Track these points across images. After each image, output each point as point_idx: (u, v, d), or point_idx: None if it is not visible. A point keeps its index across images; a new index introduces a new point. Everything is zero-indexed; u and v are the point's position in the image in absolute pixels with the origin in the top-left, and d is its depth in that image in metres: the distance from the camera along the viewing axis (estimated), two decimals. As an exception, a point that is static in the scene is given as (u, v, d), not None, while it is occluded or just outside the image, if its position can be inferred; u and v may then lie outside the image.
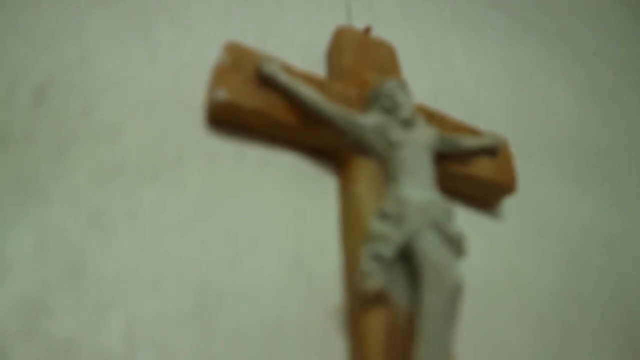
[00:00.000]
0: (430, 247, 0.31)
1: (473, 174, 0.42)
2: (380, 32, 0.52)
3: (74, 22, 0.38)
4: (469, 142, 0.41)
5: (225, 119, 0.37)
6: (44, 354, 0.25)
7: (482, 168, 0.42)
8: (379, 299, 0.31)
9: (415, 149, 0.36)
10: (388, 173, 0.36)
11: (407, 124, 0.38)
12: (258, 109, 0.36)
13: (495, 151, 0.43)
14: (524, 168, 0.51)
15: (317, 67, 0.47)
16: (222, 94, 0.35)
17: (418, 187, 0.35)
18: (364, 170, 0.37)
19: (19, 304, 0.26)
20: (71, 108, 0.34)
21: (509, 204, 0.47)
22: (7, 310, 0.26)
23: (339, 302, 0.33)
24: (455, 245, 0.32)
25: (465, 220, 0.43)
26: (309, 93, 0.36)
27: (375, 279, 0.30)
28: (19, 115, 0.32)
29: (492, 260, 0.43)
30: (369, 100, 0.39)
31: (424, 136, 0.38)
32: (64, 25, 0.37)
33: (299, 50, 0.48)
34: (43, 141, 0.31)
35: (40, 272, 0.27)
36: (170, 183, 0.33)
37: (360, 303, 0.31)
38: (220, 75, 0.36)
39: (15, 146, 0.30)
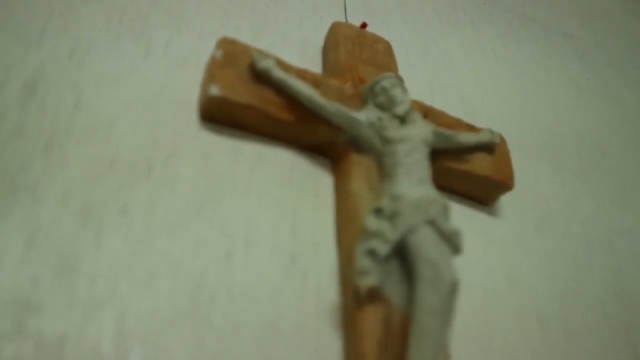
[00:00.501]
0: (426, 244, 0.31)
1: (470, 171, 0.41)
2: (376, 28, 0.51)
3: (65, 17, 0.38)
4: (465, 138, 0.41)
5: (219, 115, 0.36)
6: (34, 352, 0.25)
7: (479, 165, 0.42)
8: (374, 296, 0.30)
9: (412, 145, 0.36)
10: (384, 169, 0.36)
11: (403, 120, 0.38)
12: (252, 105, 0.35)
13: (492, 147, 0.42)
14: (523, 165, 0.51)
15: (313, 65, 0.47)
16: (215, 90, 0.35)
17: (414, 183, 0.34)
18: (359, 167, 0.37)
19: (8, 301, 0.26)
20: (63, 103, 0.33)
21: (507, 201, 0.47)
22: (-4, 308, 0.25)
23: (335, 299, 0.33)
24: (452, 242, 0.32)
25: (463, 217, 0.43)
26: (304, 89, 0.36)
27: (370, 277, 0.30)
28: (9, 110, 0.31)
29: (490, 258, 0.42)
30: (365, 96, 0.39)
31: (420, 132, 0.37)
32: (55, 19, 0.37)
33: (295, 47, 0.48)
34: (34, 136, 0.31)
35: (30, 269, 0.27)
36: (164, 179, 0.33)
37: (355, 300, 0.30)
38: (214, 70, 0.35)
39: (5, 141, 0.30)
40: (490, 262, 0.42)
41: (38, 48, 0.35)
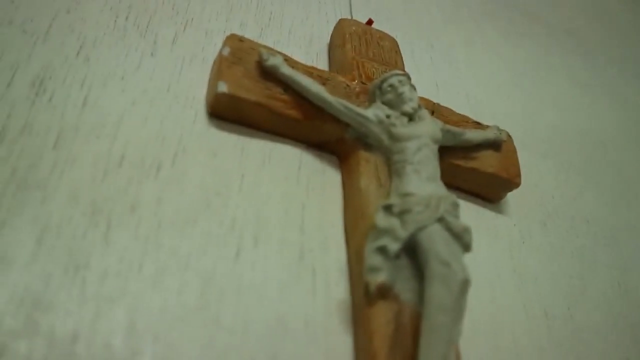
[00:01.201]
0: (436, 241, 0.31)
1: (477, 168, 0.41)
2: (382, 26, 0.51)
3: (72, 14, 0.38)
4: (472, 135, 0.41)
5: (227, 112, 0.36)
6: (46, 350, 0.25)
7: (486, 162, 0.42)
8: (384, 293, 0.30)
9: (420, 142, 0.36)
10: (392, 167, 0.36)
11: (411, 117, 0.37)
12: (260, 102, 0.35)
13: (499, 144, 0.42)
14: (527, 162, 0.51)
15: (319, 62, 0.47)
16: (223, 87, 0.34)
17: (423, 180, 0.34)
18: (367, 164, 0.37)
19: (20, 299, 0.25)
20: (70, 100, 0.33)
21: (513, 198, 0.47)
22: (7, 306, 0.25)
23: (344, 296, 0.33)
24: (462, 239, 0.32)
25: (470, 214, 0.43)
26: (312, 86, 0.36)
27: (380, 274, 0.30)
28: (17, 108, 0.31)
29: (497, 255, 0.42)
30: (373, 93, 0.39)
31: (429, 130, 0.37)
32: (62, 16, 0.37)
33: (300, 44, 0.47)
34: (42, 134, 0.31)
35: (41, 267, 0.27)
36: (172, 176, 0.33)
37: (365, 298, 0.30)
38: (221, 67, 0.35)
39: (14, 139, 0.30)
40: (496, 259, 0.42)
41: (45, 45, 0.35)
